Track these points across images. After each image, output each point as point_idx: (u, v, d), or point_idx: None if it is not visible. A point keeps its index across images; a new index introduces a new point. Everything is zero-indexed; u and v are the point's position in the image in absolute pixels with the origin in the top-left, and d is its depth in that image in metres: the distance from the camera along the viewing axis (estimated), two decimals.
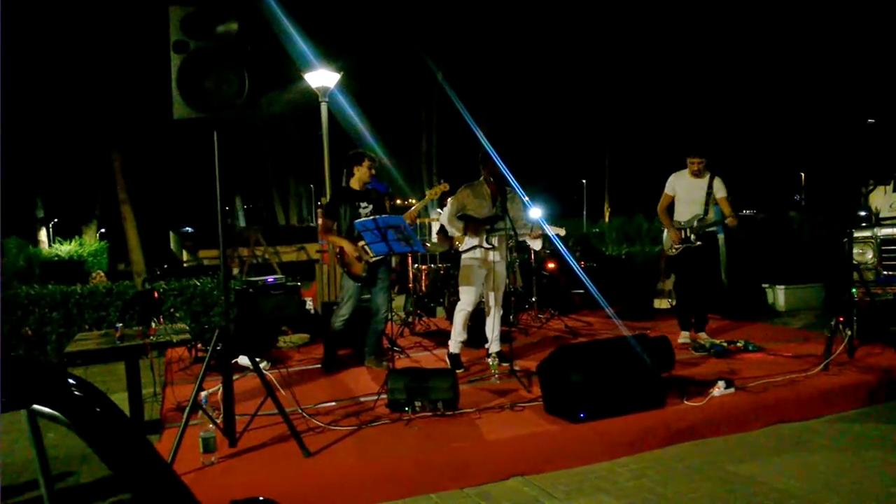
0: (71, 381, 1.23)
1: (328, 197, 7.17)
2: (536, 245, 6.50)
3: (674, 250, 6.66)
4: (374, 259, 5.76)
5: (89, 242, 23.86)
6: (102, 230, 30.24)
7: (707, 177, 6.51)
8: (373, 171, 6.00)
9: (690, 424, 4.44)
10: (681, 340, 6.64)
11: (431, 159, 31.15)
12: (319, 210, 6.68)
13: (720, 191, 6.47)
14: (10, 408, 1.15)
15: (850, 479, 3.72)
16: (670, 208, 6.74)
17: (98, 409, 1.20)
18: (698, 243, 6.51)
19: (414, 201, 6.29)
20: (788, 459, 4.07)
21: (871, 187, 7.29)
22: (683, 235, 6.57)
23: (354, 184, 5.99)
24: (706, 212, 6.49)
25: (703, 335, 6.75)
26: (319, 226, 6.12)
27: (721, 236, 9.31)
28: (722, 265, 9.37)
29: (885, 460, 4.01)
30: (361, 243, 5.67)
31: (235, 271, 14.02)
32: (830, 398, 4.92)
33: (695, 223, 6.52)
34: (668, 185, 6.75)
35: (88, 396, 1.21)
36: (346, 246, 5.81)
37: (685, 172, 6.62)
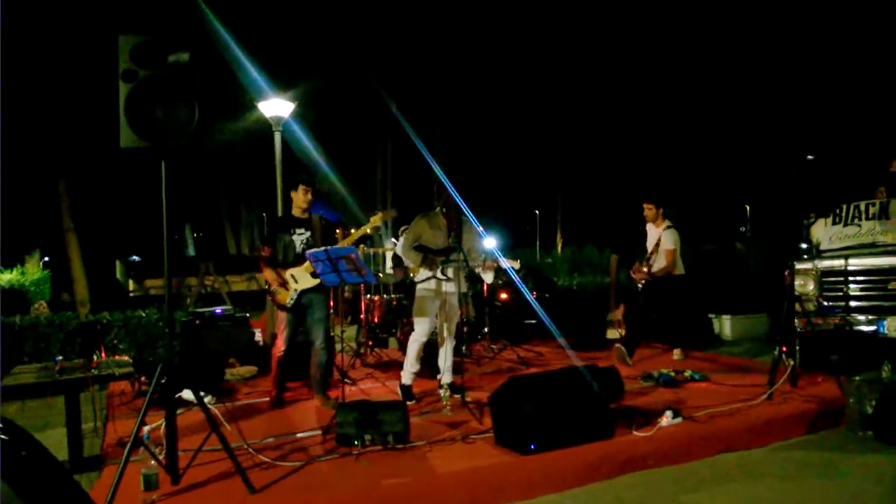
0: None
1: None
2: (489, 277, 6.54)
3: (641, 282, 7.56)
4: (301, 288, 5.66)
5: (32, 271, 23.05)
6: (46, 258, 29.31)
7: (663, 227, 7.45)
8: (309, 197, 5.84)
9: (639, 454, 4.47)
10: (676, 357, 7.57)
11: (386, 188, 31.18)
12: None
13: (666, 244, 7.38)
14: None
15: None
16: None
17: (24, 453, 1.15)
18: (649, 278, 7.39)
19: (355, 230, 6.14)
20: (734, 488, 4.13)
21: (812, 220, 7.53)
22: (644, 274, 7.45)
23: (294, 210, 5.89)
24: (648, 259, 7.45)
25: (676, 351, 7.66)
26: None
27: None
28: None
29: (826, 488, 4.10)
30: (289, 272, 5.62)
31: (189, 301, 13.72)
32: (774, 427, 5.02)
33: (645, 267, 7.46)
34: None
35: (14, 439, 1.17)
36: (267, 274, 5.72)
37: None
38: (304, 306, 5.76)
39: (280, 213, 8.80)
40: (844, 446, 4.83)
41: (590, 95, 31.23)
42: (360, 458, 4.36)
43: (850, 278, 6.55)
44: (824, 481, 4.21)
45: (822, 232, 7.36)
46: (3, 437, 1.14)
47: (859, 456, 4.62)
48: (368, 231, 6.06)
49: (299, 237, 5.79)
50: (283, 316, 5.78)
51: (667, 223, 7.45)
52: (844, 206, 7.19)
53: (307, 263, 5.52)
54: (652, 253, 7.42)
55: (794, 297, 6.09)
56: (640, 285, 7.55)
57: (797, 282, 6.71)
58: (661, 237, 7.38)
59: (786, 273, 6.55)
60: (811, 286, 6.81)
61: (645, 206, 7.55)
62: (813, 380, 5.99)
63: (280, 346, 5.81)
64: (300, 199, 5.83)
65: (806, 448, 4.85)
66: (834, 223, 7.29)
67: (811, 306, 6.65)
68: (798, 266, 6.80)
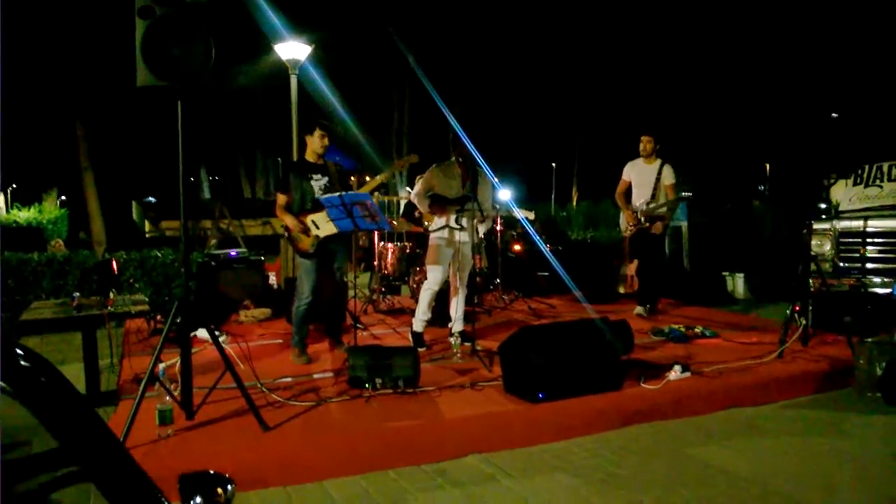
0: (17, 350, 1.21)
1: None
2: (481, 229, 6.36)
3: (628, 232, 7.21)
4: (324, 235, 5.46)
5: (49, 210, 23.27)
6: (63, 197, 29.51)
7: (657, 163, 7.01)
8: (325, 141, 5.60)
9: (646, 407, 4.51)
10: (635, 313, 7.24)
11: (402, 136, 30.99)
12: None
13: (668, 178, 6.97)
14: None
15: (796, 464, 3.82)
16: (628, 193, 7.27)
17: (44, 380, 1.17)
18: (647, 224, 7.03)
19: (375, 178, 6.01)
20: (740, 443, 4.17)
21: (832, 181, 7.45)
22: (636, 218, 7.06)
23: (309, 155, 5.67)
24: (654, 196, 6.99)
25: (639, 308, 7.35)
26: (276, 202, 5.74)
27: (685, 224, 9.46)
28: (685, 252, 9.52)
29: (831, 446, 4.13)
30: (310, 218, 5.44)
31: (212, 242, 13.79)
32: (783, 385, 5.04)
33: (644, 207, 7.01)
34: (624, 171, 7.31)
35: (35, 366, 1.19)
36: (289, 221, 5.47)
37: (640, 159, 7.17)
38: (328, 254, 5.60)
39: (295, 158, 8.70)
40: (852, 407, 4.85)
41: (610, 49, 30.62)
42: (370, 401, 4.43)
43: (868, 240, 6.49)
44: (830, 440, 4.24)
45: (843, 192, 7.28)
46: (24, 363, 1.15)
47: (866, 416, 4.64)
48: (386, 178, 6.00)
49: (317, 183, 5.61)
50: (305, 264, 5.57)
51: (660, 160, 7.06)
52: (867, 167, 7.09)
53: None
54: (654, 192, 7.01)
55: (810, 257, 6.04)
56: (629, 231, 7.18)
57: (814, 242, 6.66)
58: (661, 172, 6.96)
59: (803, 232, 6.50)
60: (828, 247, 6.76)
61: (645, 139, 7.05)
62: (824, 340, 5.99)
63: (305, 295, 5.54)
64: (316, 143, 5.60)
65: (813, 407, 4.88)
66: (855, 184, 7.20)
67: (827, 267, 6.61)
68: (816, 226, 6.75)
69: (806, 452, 4.01)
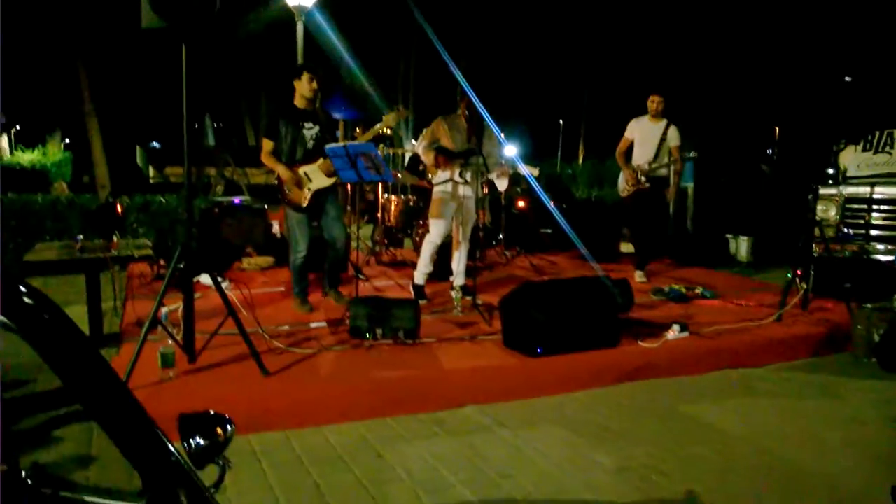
0: (21, 287, 1.22)
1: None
2: (502, 185, 6.37)
3: (626, 191, 7.04)
4: (316, 188, 5.30)
5: (53, 152, 23.20)
6: (67, 140, 29.36)
7: (664, 123, 6.83)
8: (315, 86, 5.30)
9: (643, 364, 4.56)
10: (638, 280, 6.99)
11: (409, 87, 30.62)
12: None
13: (674, 139, 6.81)
14: None
15: (789, 425, 3.88)
16: (629, 152, 7.09)
17: (47, 317, 1.18)
18: (647, 185, 6.85)
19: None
20: (734, 403, 4.22)
21: (842, 146, 7.36)
22: (636, 178, 6.89)
23: (298, 101, 5.37)
24: (657, 156, 6.82)
25: (638, 273, 7.16)
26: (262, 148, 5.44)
27: (690, 185, 9.40)
28: (689, 214, 9.49)
29: (824, 409, 4.18)
30: (302, 169, 5.26)
31: (219, 189, 13.72)
32: (780, 347, 5.08)
33: (646, 166, 6.84)
34: (628, 128, 7.10)
35: (38, 304, 1.20)
36: (282, 171, 5.24)
37: (645, 117, 6.96)
38: (320, 206, 5.43)
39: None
40: (847, 371, 4.90)
41: (620, 4, 30.02)
42: (370, 350, 4.48)
43: (874, 206, 6.46)
44: (823, 402, 4.29)
45: (851, 158, 7.20)
46: (27, 300, 1.16)
47: (861, 381, 4.68)
48: (381, 130, 5.85)
49: (308, 132, 5.36)
50: (296, 217, 5.43)
51: (665, 119, 6.85)
52: (877, 133, 7.01)
53: (321, 161, 5.26)
54: (658, 151, 6.83)
55: (815, 222, 6.03)
56: (626, 191, 7.01)
57: (819, 207, 6.63)
58: (667, 132, 6.77)
59: (809, 197, 6.47)
60: (833, 212, 6.73)
61: (656, 99, 6.80)
62: (823, 305, 6.01)
63: (300, 249, 5.44)
64: (305, 88, 5.30)
65: (809, 370, 4.92)
66: (864, 150, 7.12)
67: (831, 232, 6.59)
68: (822, 191, 6.70)
69: (798, 414, 4.06)
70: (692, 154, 7.50)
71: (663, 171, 6.89)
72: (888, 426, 3.92)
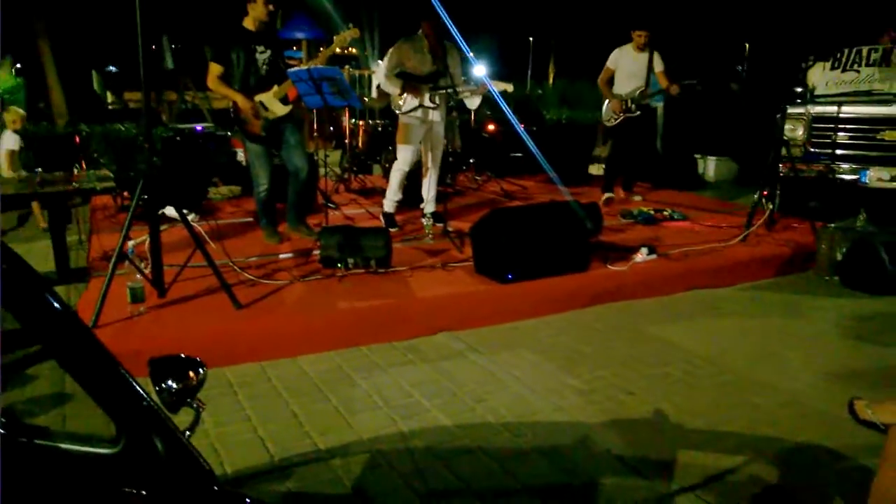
0: None
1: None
2: (473, 104, 6.26)
3: (613, 120, 7.08)
4: (273, 116, 5.08)
5: (4, 78, 22.19)
6: (18, 66, 28.08)
7: (647, 51, 6.91)
8: (271, 7, 5.00)
9: (612, 288, 4.64)
10: (603, 199, 7.13)
11: (372, 4, 29.63)
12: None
13: (659, 65, 6.93)
14: None
15: (751, 343, 4.00)
16: (610, 82, 7.15)
17: (5, 267, 1.14)
18: (638, 113, 6.92)
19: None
20: (700, 323, 4.33)
21: (810, 63, 7.32)
22: (625, 106, 6.94)
23: (249, 24, 5.05)
24: (647, 84, 6.91)
25: (635, 198, 7.42)
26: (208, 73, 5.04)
27: (660, 105, 9.36)
28: (658, 135, 9.48)
29: (785, 326, 4.32)
30: (258, 98, 5.02)
31: (164, 117, 13.35)
32: (746, 267, 5.20)
33: (636, 94, 6.89)
34: (610, 59, 7.12)
35: None
36: (240, 100, 4.97)
37: (628, 47, 7.03)
38: (279, 135, 5.20)
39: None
40: (811, 289, 5.04)
41: None
42: (343, 280, 4.48)
43: (840, 126, 6.50)
44: (787, 320, 4.42)
45: (820, 76, 7.19)
46: None
47: (824, 299, 4.83)
48: (342, 50, 5.61)
49: (261, 56, 5.05)
50: (255, 149, 5.20)
51: (648, 48, 6.92)
52: (846, 51, 6.98)
53: (275, 88, 5.04)
54: (648, 80, 6.90)
55: (782, 142, 6.06)
56: (612, 120, 7.07)
57: (787, 126, 6.65)
58: (653, 60, 6.87)
59: (777, 117, 6.48)
60: (800, 132, 6.76)
61: (643, 34, 6.86)
62: (789, 224, 6.13)
63: (263, 182, 5.26)
64: (260, 10, 4.97)
65: (774, 289, 5.05)
66: (833, 68, 7.09)
67: (798, 152, 6.64)
68: (790, 110, 6.71)
69: (762, 333, 4.19)
70: (691, 81, 7.34)
71: (651, 99, 7.00)
72: (847, 343, 4.06)
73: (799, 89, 7.30)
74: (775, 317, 4.49)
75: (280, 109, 5.11)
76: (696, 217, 6.51)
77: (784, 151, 6.00)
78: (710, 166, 9.71)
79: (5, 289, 1.08)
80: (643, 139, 7.26)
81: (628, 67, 6.97)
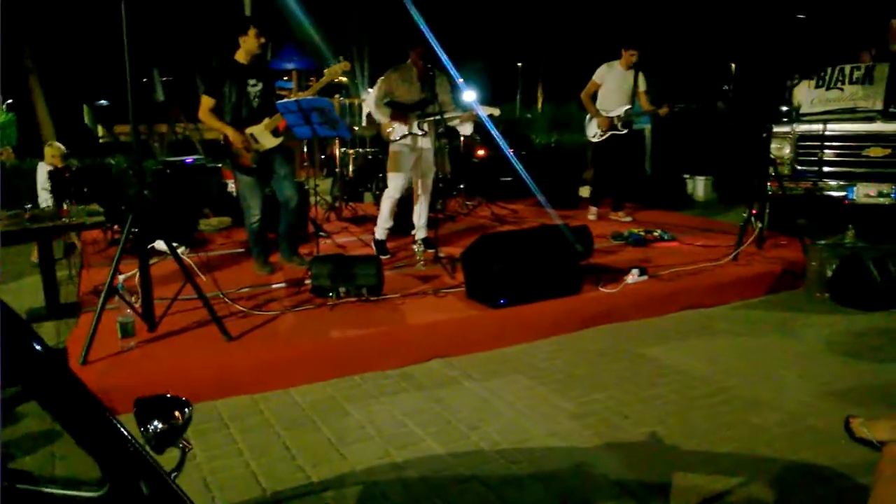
0: None
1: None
2: (467, 130, 6.30)
3: (598, 136, 7.13)
4: (263, 148, 5.08)
5: None
6: (10, 101, 28.17)
7: (633, 70, 7.01)
8: (262, 40, 5.03)
9: (604, 310, 4.64)
10: (590, 217, 7.35)
11: (363, 35, 29.91)
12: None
13: (642, 85, 7.03)
14: None
15: (746, 363, 3.99)
16: (594, 96, 7.19)
17: None
18: (625, 131, 7.01)
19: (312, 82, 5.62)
20: (693, 343, 4.33)
21: (795, 81, 7.41)
22: (612, 123, 7.00)
23: (241, 57, 5.07)
24: (633, 102, 7.01)
25: (620, 213, 7.47)
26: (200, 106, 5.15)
27: (648, 126, 9.44)
28: (646, 155, 9.55)
29: (779, 344, 4.32)
30: (248, 131, 5.04)
31: (157, 147, 13.37)
32: (737, 286, 5.21)
33: (623, 112, 6.96)
34: (597, 73, 7.15)
35: None
36: (231, 134, 4.98)
37: (616, 64, 7.07)
38: (269, 167, 5.21)
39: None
40: (802, 307, 5.05)
41: None
42: (334, 309, 4.46)
43: (827, 143, 6.56)
44: (780, 338, 4.43)
45: (805, 94, 7.27)
46: None
47: (814, 316, 4.83)
48: (333, 81, 5.62)
49: (253, 89, 5.08)
50: (246, 181, 5.20)
51: (634, 67, 7.02)
52: (829, 69, 7.07)
53: (266, 121, 5.08)
54: (634, 98, 7.02)
55: (769, 161, 6.12)
56: (598, 137, 7.11)
57: (774, 145, 6.71)
58: (637, 78, 6.95)
59: (763, 136, 6.54)
60: (787, 150, 6.81)
61: (634, 53, 6.93)
62: (778, 242, 6.16)
63: (254, 213, 5.26)
64: (252, 43, 5.00)
65: (765, 308, 5.06)
66: (817, 86, 7.18)
67: (785, 170, 6.69)
68: (776, 129, 6.78)
69: (755, 352, 4.19)
70: (680, 104, 7.41)
71: (638, 117, 7.13)
72: (841, 360, 4.06)
73: (785, 108, 7.38)
74: (768, 335, 4.49)
75: (270, 142, 5.13)
76: (685, 237, 6.53)
77: (771, 170, 6.06)
78: (698, 186, 9.76)
79: None
80: (629, 157, 7.31)
81: (615, 84, 7.04)
